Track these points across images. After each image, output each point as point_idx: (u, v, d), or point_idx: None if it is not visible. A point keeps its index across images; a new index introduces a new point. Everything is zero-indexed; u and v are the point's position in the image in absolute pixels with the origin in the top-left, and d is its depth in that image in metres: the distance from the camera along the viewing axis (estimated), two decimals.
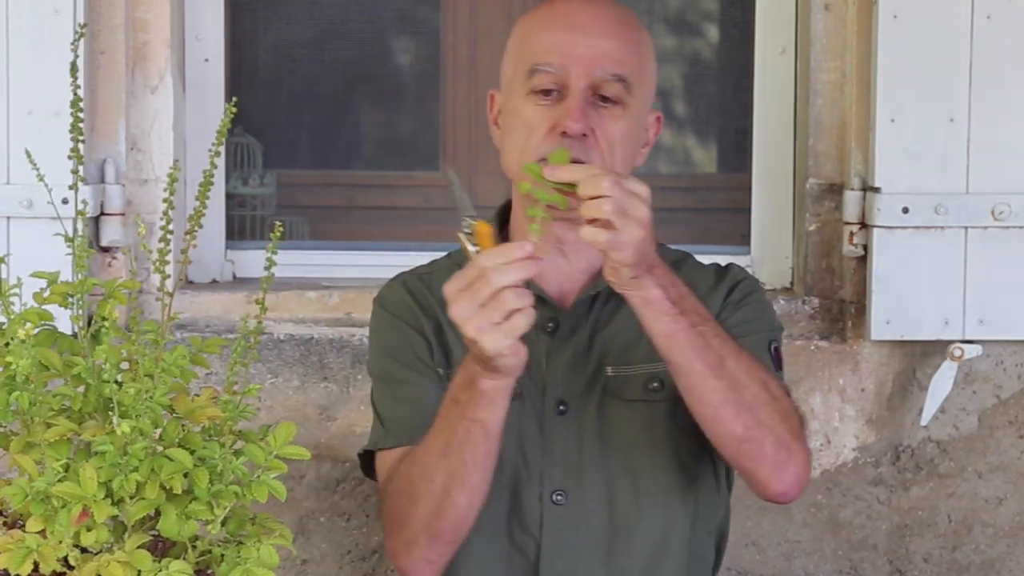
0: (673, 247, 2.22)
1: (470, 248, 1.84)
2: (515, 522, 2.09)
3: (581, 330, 2.12)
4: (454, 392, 1.95)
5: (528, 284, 2.00)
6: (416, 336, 2.14)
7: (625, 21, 2.11)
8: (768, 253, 3.04)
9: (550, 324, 2.11)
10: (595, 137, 2.03)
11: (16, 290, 1.66)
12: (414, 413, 2.08)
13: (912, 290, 2.79)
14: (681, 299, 1.91)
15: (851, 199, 2.84)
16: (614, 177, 1.82)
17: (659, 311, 1.90)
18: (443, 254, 2.26)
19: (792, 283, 3.01)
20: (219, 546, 1.61)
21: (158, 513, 1.57)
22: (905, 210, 2.77)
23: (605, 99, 2.05)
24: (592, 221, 1.82)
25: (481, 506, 2.00)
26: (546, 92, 2.05)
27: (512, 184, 2.13)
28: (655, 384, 2.10)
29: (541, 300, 2.06)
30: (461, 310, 1.79)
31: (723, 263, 2.24)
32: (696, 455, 2.12)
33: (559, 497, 2.09)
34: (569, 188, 1.84)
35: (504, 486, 2.07)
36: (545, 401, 2.10)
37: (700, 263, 2.23)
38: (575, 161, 1.99)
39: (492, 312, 1.78)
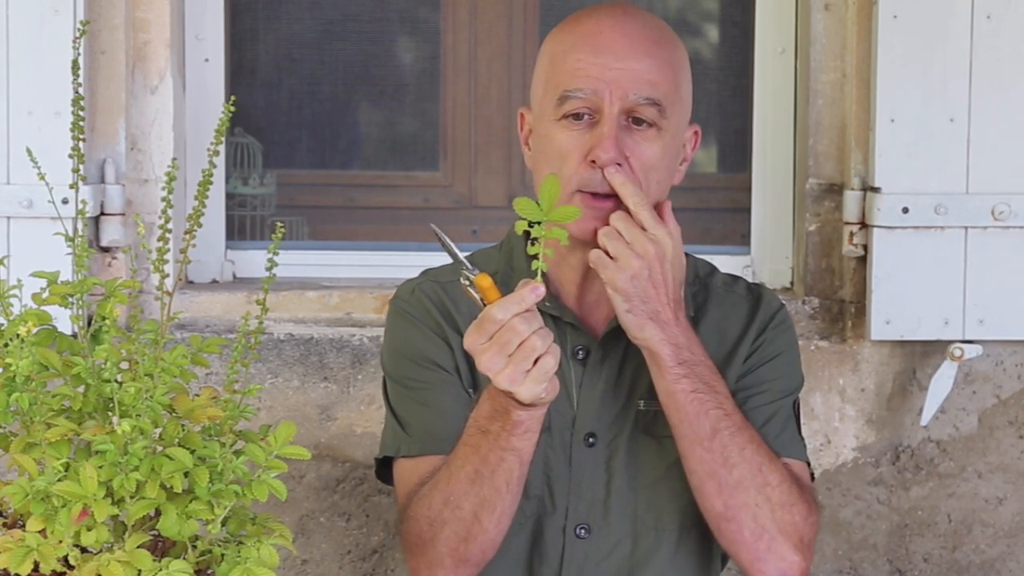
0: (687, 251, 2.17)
1: (476, 297, 1.83)
2: (536, 554, 2.06)
3: (612, 358, 2.06)
4: (481, 423, 1.91)
5: (561, 310, 2.03)
6: (440, 342, 2.08)
7: (657, 39, 2.03)
8: (768, 253, 3.04)
9: (580, 351, 2.06)
10: (629, 165, 1.97)
11: (16, 291, 1.66)
12: (439, 421, 2.04)
13: (912, 290, 2.79)
14: (693, 364, 1.94)
15: (851, 199, 2.84)
16: (625, 213, 1.94)
17: (662, 368, 1.94)
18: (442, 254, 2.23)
19: (792, 283, 3.01)
20: (219, 546, 1.61)
21: (158, 513, 1.56)
22: (905, 210, 2.77)
23: (639, 121, 1.99)
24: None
25: (508, 527, 1.97)
26: (577, 116, 1.99)
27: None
28: None
29: (572, 326, 2.04)
30: (491, 363, 1.79)
31: (752, 282, 2.19)
32: None
33: (582, 531, 2.05)
34: (568, 221, 1.80)
35: (528, 517, 2.03)
36: (574, 433, 2.05)
37: (728, 282, 2.17)
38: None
39: (522, 361, 1.78)
